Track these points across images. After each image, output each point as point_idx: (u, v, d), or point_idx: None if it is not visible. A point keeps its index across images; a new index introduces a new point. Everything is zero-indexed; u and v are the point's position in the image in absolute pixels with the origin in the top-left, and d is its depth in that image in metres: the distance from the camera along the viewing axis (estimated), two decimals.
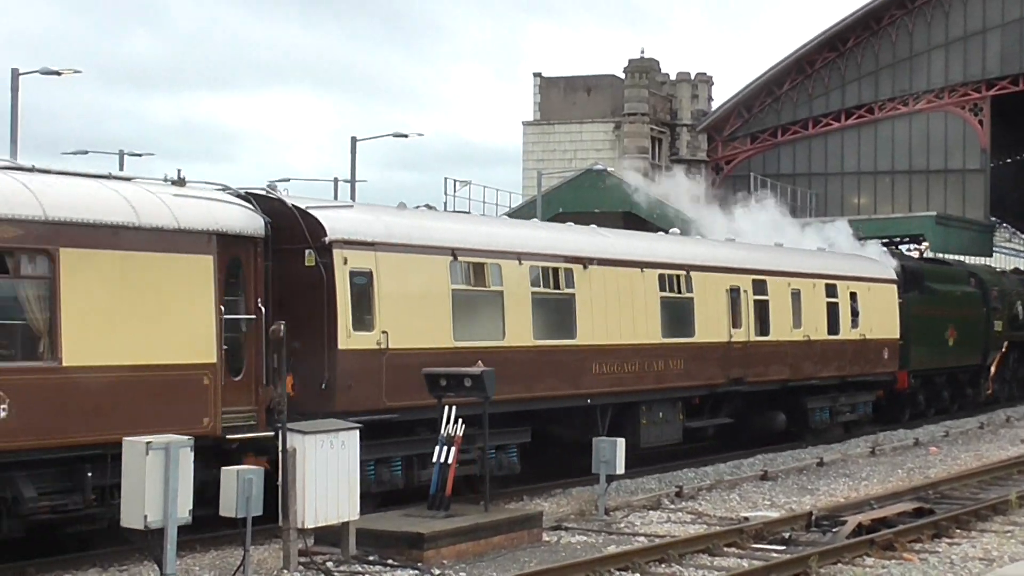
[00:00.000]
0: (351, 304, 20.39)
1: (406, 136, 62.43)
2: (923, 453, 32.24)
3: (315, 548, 17.19)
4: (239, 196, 19.79)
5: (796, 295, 32.19)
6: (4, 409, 15.72)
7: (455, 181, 57.58)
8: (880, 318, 36.12)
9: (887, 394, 37.73)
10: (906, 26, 71.66)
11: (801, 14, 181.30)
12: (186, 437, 15.19)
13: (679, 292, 28.00)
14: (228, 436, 18.31)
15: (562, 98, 73.14)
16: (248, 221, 19.17)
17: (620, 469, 21.92)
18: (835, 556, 17.73)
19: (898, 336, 37.10)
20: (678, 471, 27.79)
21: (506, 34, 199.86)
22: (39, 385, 16.21)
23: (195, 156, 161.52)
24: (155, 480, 14.70)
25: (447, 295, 22.18)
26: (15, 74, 42.82)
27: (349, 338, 20.30)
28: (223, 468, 16.10)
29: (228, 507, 15.83)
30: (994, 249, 76.24)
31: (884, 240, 48.32)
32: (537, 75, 73.97)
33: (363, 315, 20.63)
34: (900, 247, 57.38)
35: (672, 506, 23.04)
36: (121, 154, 63.40)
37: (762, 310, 30.77)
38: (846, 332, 34.31)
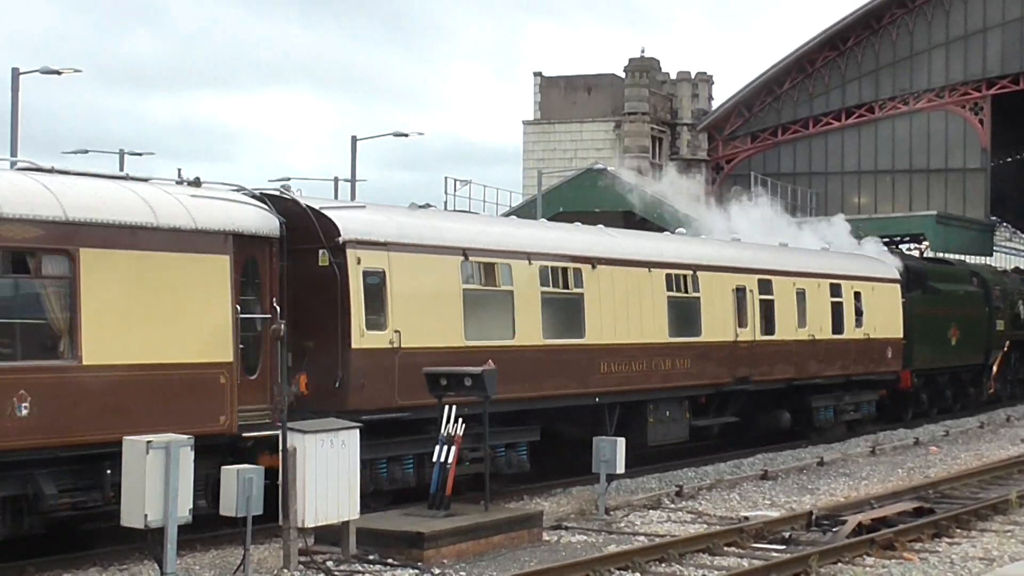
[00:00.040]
0: (364, 303, 20.57)
1: (406, 135, 62.53)
2: (923, 452, 32.30)
3: (315, 547, 17.23)
4: (254, 197, 19.96)
5: (801, 295, 32.36)
6: (26, 407, 15.90)
7: (455, 180, 57.70)
8: (884, 317, 36.29)
9: (890, 393, 37.87)
10: (907, 25, 71.75)
11: (801, 13, 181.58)
12: (186, 436, 15.23)
13: (686, 292, 28.17)
14: (244, 434, 18.47)
15: (562, 97, 73.21)
16: (263, 221, 19.34)
17: (620, 468, 21.98)
18: (835, 556, 17.74)
19: (901, 335, 37.26)
20: (678, 471, 27.87)
21: (506, 34, 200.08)
22: (60, 383, 16.39)
23: (195, 156, 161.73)
24: (155, 479, 14.75)
25: (458, 295, 22.35)
26: (15, 73, 42.88)
27: (362, 337, 20.47)
28: (223, 468, 16.18)
29: (228, 506, 15.90)
30: (994, 248, 76.33)
31: (885, 239, 48.45)
32: (537, 74, 74.04)
33: (376, 314, 20.80)
34: (900, 246, 57.59)
35: (672, 505, 23.09)
36: (121, 153, 63.50)
37: (767, 310, 30.94)
38: (850, 331, 34.48)
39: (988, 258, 68.59)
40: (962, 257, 59.06)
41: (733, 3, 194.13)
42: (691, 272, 28.30)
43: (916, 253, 54.30)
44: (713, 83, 76.06)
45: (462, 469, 20.75)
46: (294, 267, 19.97)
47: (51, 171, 17.48)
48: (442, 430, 18.97)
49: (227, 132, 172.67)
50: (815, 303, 32.93)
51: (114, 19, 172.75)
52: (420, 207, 24.54)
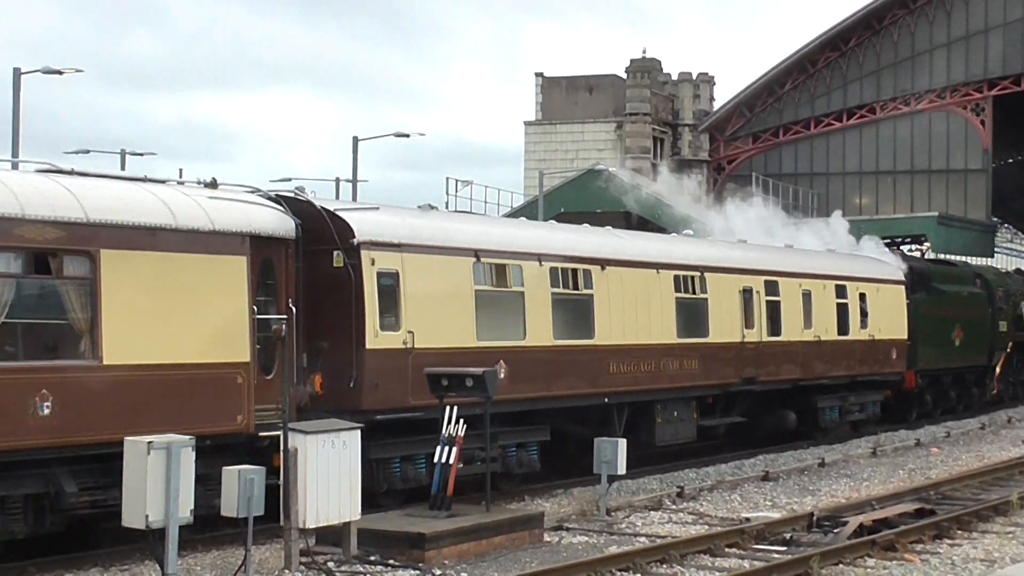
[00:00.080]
0: (378, 304, 20.72)
1: (408, 136, 62.59)
2: (924, 454, 32.37)
3: (316, 548, 17.28)
4: (269, 198, 20.11)
5: (807, 296, 32.53)
6: (48, 406, 16.07)
7: (457, 181, 57.79)
8: (888, 319, 36.46)
9: (895, 394, 38.03)
10: (908, 26, 71.82)
11: (802, 14, 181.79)
12: (187, 437, 15.29)
13: (694, 293, 28.33)
14: (260, 433, 18.61)
15: (564, 98, 73.24)
16: (280, 223, 19.50)
17: (621, 469, 22.02)
18: (836, 557, 17.78)
19: (906, 337, 37.43)
20: (679, 471, 27.92)
21: (506, 34, 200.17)
22: (81, 383, 16.58)
23: (195, 156, 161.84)
24: (156, 480, 14.79)
25: (470, 295, 22.50)
26: (17, 73, 42.93)
27: (376, 338, 20.62)
28: (224, 468, 16.25)
29: (230, 507, 15.94)
30: (995, 250, 76.43)
31: (886, 240, 48.58)
32: (539, 75, 74.02)
33: (390, 315, 20.95)
34: (902, 247, 57.74)
35: (673, 506, 23.12)
36: (123, 153, 63.56)
37: (774, 311, 31.10)
38: (855, 333, 34.65)
39: (989, 259, 68.67)
40: (964, 258, 59.19)
41: (734, 3, 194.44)
42: (699, 273, 28.45)
43: (917, 254, 54.46)
44: (714, 84, 76.13)
45: (472, 469, 20.91)
46: (308, 268, 20.13)
47: (71, 173, 17.66)
48: (443, 431, 19.05)
49: (227, 132, 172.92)
50: (821, 304, 33.10)
51: (114, 19, 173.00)
52: (423, 208, 24.67)
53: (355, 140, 60.30)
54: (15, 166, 18.91)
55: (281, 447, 16.83)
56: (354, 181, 60.01)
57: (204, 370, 17.94)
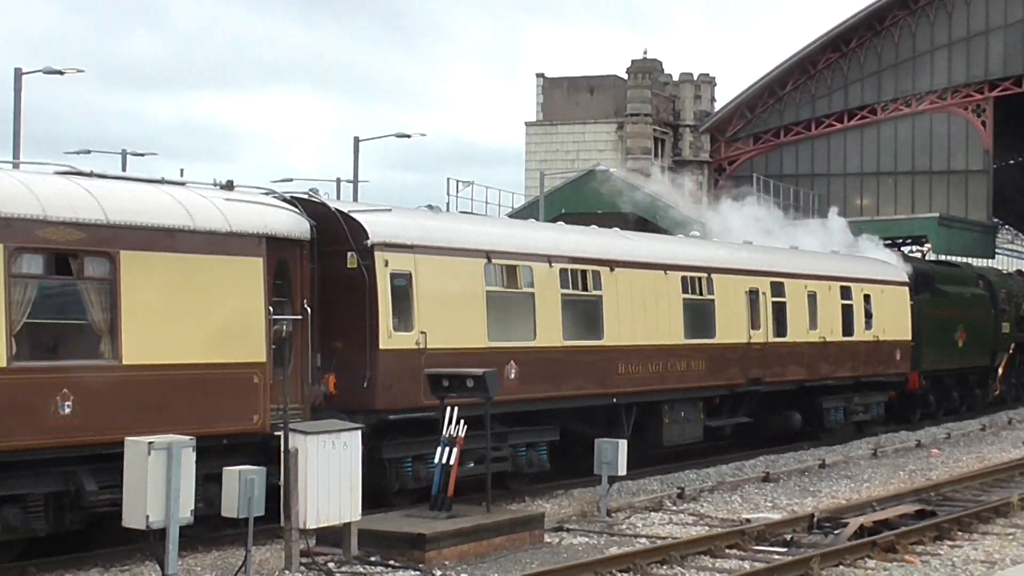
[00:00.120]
0: (392, 305, 20.88)
1: (409, 136, 62.70)
2: (925, 455, 32.43)
3: (317, 549, 17.33)
4: (284, 200, 20.27)
5: (812, 297, 32.69)
6: (68, 405, 16.24)
7: (458, 181, 57.91)
8: (893, 320, 36.62)
9: (899, 394, 38.19)
10: (909, 27, 71.94)
11: (803, 15, 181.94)
12: (188, 437, 15.34)
13: (701, 294, 28.50)
14: (276, 433, 18.73)
15: (565, 98, 73.34)
16: (295, 224, 19.66)
17: (622, 470, 22.07)
18: (837, 558, 17.76)
19: (910, 337, 37.60)
20: (680, 472, 28.00)
21: (506, 34, 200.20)
22: (101, 382, 16.74)
23: (195, 156, 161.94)
24: (157, 480, 14.86)
25: (482, 296, 22.66)
26: (18, 74, 43.04)
27: (390, 338, 20.79)
28: (225, 468, 16.33)
29: (230, 507, 15.99)
30: (996, 251, 76.56)
31: (887, 241, 48.74)
32: (540, 75, 74.09)
33: (403, 316, 21.12)
34: (903, 248, 57.88)
35: (674, 507, 23.15)
36: (124, 154, 63.63)
37: (780, 312, 31.27)
38: (860, 333, 34.81)
39: (990, 260, 68.80)
40: (965, 260, 59.33)
41: (734, 4, 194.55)
42: (706, 275, 28.62)
43: (918, 255, 54.63)
44: (715, 85, 76.18)
45: (481, 469, 21.00)
46: (322, 269, 20.32)
47: (91, 175, 17.81)
48: (443, 431, 19.10)
49: (227, 132, 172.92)
50: (826, 305, 33.26)
51: (114, 19, 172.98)
52: (426, 209, 24.81)
53: (356, 141, 60.47)
54: (15, 167, 19.04)
55: (282, 448, 16.91)
56: (355, 181, 60.16)
57: (221, 370, 18.11)
